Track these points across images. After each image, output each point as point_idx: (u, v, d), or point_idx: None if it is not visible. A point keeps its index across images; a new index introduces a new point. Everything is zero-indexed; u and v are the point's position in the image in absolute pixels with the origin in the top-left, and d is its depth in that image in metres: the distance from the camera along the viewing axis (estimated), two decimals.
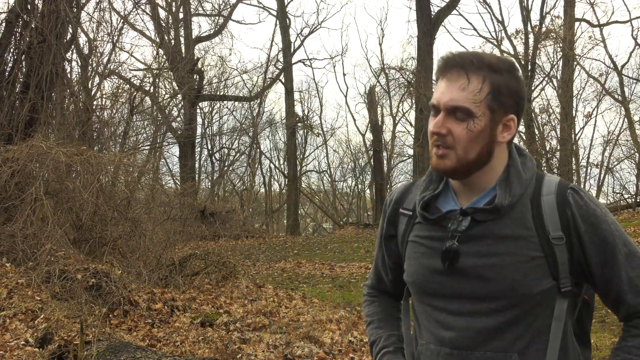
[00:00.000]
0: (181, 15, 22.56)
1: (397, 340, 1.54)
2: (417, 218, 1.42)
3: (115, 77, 15.32)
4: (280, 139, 29.40)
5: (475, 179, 1.35)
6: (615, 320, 5.87)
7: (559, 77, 21.88)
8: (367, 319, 1.64)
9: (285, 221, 26.51)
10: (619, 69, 21.43)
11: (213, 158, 28.28)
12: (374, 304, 1.63)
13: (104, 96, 14.29)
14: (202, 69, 22.89)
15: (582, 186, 22.98)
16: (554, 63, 22.31)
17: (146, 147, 18.50)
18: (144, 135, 18.67)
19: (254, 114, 27.77)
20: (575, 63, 21.38)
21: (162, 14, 21.72)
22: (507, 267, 1.28)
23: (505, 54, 23.73)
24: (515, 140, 1.38)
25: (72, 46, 10.63)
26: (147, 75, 17.26)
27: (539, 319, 1.30)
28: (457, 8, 20.89)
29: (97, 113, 13.35)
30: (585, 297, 1.41)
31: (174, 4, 22.39)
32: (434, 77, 1.42)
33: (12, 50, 9.15)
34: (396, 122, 27.38)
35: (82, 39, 13.23)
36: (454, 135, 1.30)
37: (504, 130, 1.32)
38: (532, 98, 22.36)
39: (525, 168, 1.36)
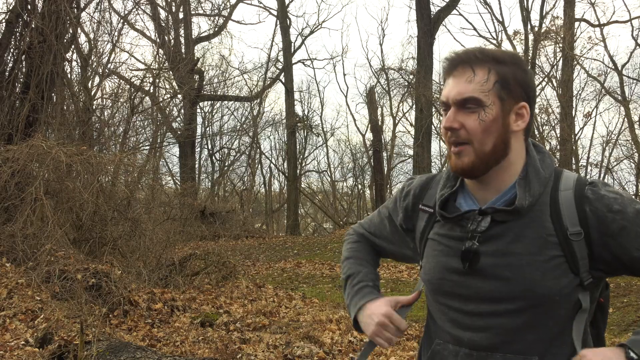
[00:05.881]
0: (181, 16, 22.55)
1: (376, 281, 1.53)
2: (437, 216, 1.39)
3: (115, 77, 15.32)
4: (280, 139, 29.44)
5: (493, 177, 1.32)
6: (615, 321, 5.87)
7: (558, 77, 21.88)
8: (348, 253, 1.61)
9: (285, 221, 26.50)
10: (619, 69, 21.43)
11: (213, 158, 28.27)
12: (359, 244, 1.61)
13: (104, 96, 14.29)
14: (202, 69, 22.90)
15: None
16: (554, 63, 22.32)
17: (146, 147, 18.49)
18: (144, 135, 18.68)
19: (254, 114, 27.79)
20: (575, 63, 21.38)
21: (162, 14, 21.72)
22: (526, 266, 1.24)
23: None
24: None
25: (72, 46, 10.62)
26: (147, 75, 17.24)
27: (560, 321, 1.27)
28: (457, 8, 20.86)
29: (97, 113, 13.36)
30: (601, 299, 1.37)
31: (174, 4, 22.37)
32: (441, 80, 1.41)
33: (12, 50, 9.14)
34: (396, 122, 27.37)
35: (82, 39, 13.23)
36: (467, 128, 1.28)
37: (518, 119, 1.31)
38: None
39: (544, 165, 1.33)
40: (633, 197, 1.30)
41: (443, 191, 1.39)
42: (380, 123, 25.62)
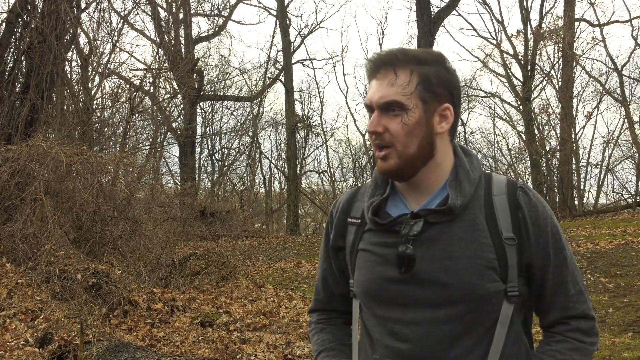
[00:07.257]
0: (181, 16, 22.56)
1: None
2: (366, 226, 1.36)
3: (115, 77, 15.34)
4: (280, 139, 29.46)
5: (422, 178, 1.32)
6: (615, 321, 5.87)
7: (559, 77, 21.88)
8: (317, 347, 1.49)
9: (285, 221, 26.50)
10: (619, 69, 21.43)
11: (213, 158, 28.30)
12: (324, 331, 1.51)
13: (104, 96, 14.31)
14: (202, 69, 22.91)
15: (582, 186, 23.03)
16: (554, 63, 22.33)
17: (146, 147, 18.54)
18: (144, 135, 18.72)
19: (254, 114, 27.81)
20: (575, 63, 21.38)
21: (162, 14, 21.73)
22: (464, 270, 1.24)
23: (505, 54, 23.75)
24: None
25: (72, 46, 10.63)
26: (147, 75, 17.27)
27: (495, 325, 1.26)
28: (457, 8, 20.87)
29: (97, 113, 13.37)
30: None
31: (174, 4, 22.38)
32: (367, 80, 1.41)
33: (12, 50, 9.15)
34: None
35: (82, 39, 13.25)
36: (391, 131, 1.28)
37: (442, 121, 1.31)
38: (532, 98, 22.37)
39: (473, 167, 1.34)
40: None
41: (373, 199, 1.36)
42: None
